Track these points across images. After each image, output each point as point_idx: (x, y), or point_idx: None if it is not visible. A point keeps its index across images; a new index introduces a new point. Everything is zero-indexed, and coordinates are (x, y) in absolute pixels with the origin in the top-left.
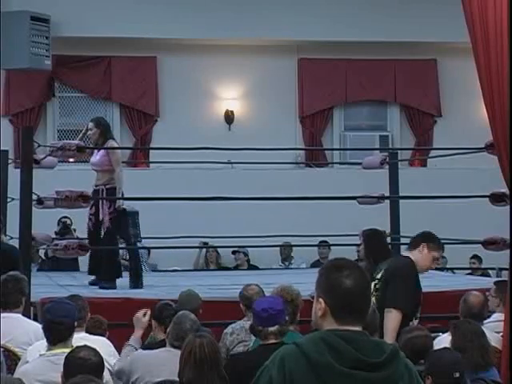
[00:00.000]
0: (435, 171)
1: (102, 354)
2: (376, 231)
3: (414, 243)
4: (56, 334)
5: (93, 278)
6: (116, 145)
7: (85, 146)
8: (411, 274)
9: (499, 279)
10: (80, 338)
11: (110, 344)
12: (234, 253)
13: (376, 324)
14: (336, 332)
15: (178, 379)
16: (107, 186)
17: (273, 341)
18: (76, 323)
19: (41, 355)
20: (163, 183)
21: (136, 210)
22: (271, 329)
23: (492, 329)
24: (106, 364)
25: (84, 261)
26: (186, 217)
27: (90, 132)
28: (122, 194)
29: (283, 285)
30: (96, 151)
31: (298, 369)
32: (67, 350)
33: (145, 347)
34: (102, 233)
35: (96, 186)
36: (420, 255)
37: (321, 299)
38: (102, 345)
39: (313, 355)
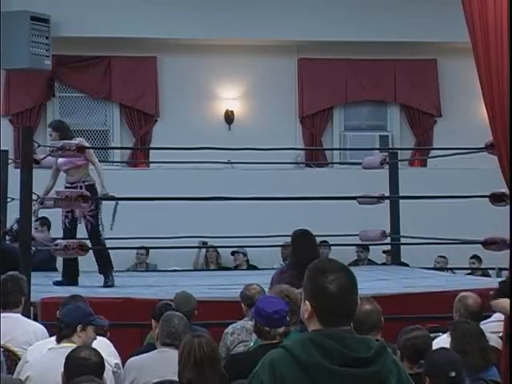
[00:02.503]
0: (435, 171)
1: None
2: (303, 232)
3: None
4: (57, 332)
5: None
6: (84, 141)
7: (84, 146)
8: None
9: (502, 279)
10: None
11: (110, 344)
12: (232, 253)
13: (373, 322)
14: (322, 332)
15: (176, 379)
16: (86, 183)
17: (273, 341)
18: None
19: (49, 349)
20: (163, 183)
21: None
22: (279, 330)
23: (491, 329)
24: (106, 364)
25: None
26: (186, 217)
27: (50, 137)
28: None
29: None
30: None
31: (289, 371)
32: (74, 345)
33: (146, 347)
34: (78, 230)
35: (71, 183)
36: None
37: (307, 302)
38: (101, 345)
39: (302, 356)
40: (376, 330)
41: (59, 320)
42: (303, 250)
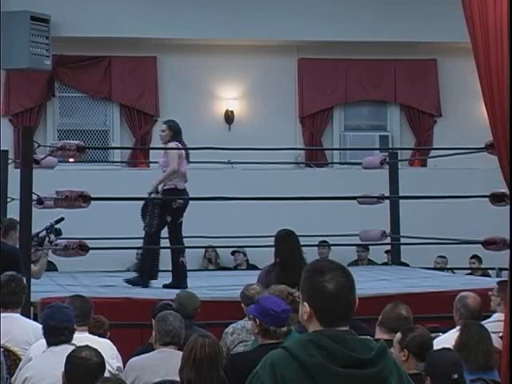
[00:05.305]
0: (435, 171)
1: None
2: (287, 232)
3: None
4: (60, 337)
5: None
6: (175, 146)
7: (84, 145)
8: None
9: (502, 279)
10: (83, 339)
11: (113, 347)
12: (232, 253)
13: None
14: (323, 333)
15: (176, 379)
16: (165, 187)
17: (273, 341)
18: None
19: (48, 348)
20: None
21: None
22: (283, 329)
23: (491, 329)
24: (107, 366)
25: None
26: (186, 217)
27: (162, 133)
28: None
29: (282, 285)
30: (161, 153)
31: (290, 373)
32: (71, 346)
33: (146, 347)
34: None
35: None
36: None
37: (305, 303)
38: (104, 347)
39: (304, 357)
40: (393, 332)
41: (61, 325)
42: (288, 249)
